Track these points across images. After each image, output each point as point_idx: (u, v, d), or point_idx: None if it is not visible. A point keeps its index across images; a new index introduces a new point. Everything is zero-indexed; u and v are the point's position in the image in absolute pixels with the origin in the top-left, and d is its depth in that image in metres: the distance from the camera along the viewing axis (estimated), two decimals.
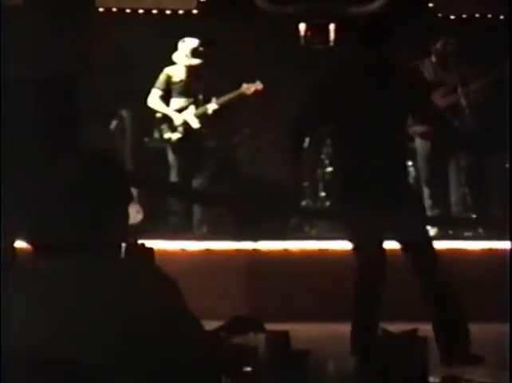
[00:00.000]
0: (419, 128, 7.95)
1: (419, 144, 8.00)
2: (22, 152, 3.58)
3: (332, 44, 9.49)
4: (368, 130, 4.83)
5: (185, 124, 7.95)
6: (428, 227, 5.19)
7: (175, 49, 8.04)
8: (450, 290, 4.94)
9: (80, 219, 2.09)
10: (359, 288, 4.94)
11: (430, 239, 5.06)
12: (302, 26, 9.46)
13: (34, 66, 3.81)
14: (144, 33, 9.12)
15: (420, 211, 5.15)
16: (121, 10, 9.46)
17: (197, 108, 7.98)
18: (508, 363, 4.30)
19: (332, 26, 9.44)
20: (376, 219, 4.77)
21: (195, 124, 7.95)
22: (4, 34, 3.70)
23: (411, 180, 8.22)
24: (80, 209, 2.10)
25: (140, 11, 9.56)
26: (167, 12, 9.60)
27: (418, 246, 4.91)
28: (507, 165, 8.35)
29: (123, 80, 8.86)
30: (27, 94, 3.75)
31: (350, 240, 5.07)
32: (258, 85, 8.04)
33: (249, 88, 8.03)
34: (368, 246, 4.92)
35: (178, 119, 7.94)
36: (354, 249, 5.03)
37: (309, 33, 9.49)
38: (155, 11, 9.58)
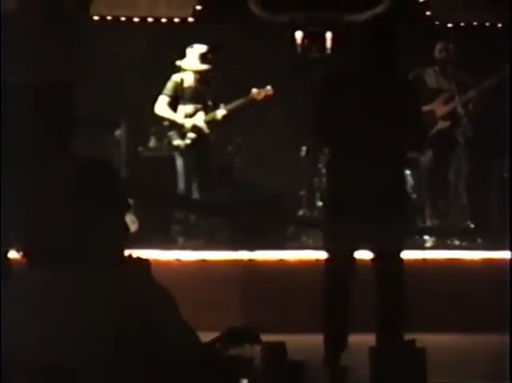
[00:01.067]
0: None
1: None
2: (15, 160, 3.58)
3: (328, 52, 9.51)
4: (357, 140, 4.84)
5: (194, 130, 7.97)
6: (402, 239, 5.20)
7: (171, 56, 8.04)
8: (404, 304, 4.94)
9: (73, 228, 2.09)
10: (328, 298, 4.96)
11: (399, 252, 5.05)
12: (299, 34, 9.48)
13: (28, 74, 3.80)
14: (140, 42, 9.14)
15: (400, 222, 5.13)
16: (116, 19, 9.48)
17: (206, 114, 8.02)
18: (507, 374, 4.29)
19: (328, 34, 9.46)
20: (352, 229, 4.79)
21: (205, 129, 7.99)
22: None
23: (406, 190, 8.24)
24: (75, 217, 2.09)
25: (135, 19, 9.57)
26: (163, 20, 9.62)
27: (387, 257, 4.93)
28: (505, 175, 8.36)
29: (118, 88, 8.87)
30: (20, 102, 3.74)
31: (325, 249, 5.10)
32: (269, 91, 8.06)
33: (259, 93, 8.05)
34: (341, 257, 4.94)
35: (188, 124, 7.97)
36: (327, 259, 5.05)
37: (305, 41, 9.51)
38: (150, 19, 9.60)
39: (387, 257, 4.90)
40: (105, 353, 1.96)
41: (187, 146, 7.96)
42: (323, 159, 8.51)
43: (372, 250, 5.00)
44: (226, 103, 8.00)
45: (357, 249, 4.96)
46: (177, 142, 7.99)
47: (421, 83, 7.99)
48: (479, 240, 7.71)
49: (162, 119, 8.08)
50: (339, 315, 4.91)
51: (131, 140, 8.52)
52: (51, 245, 2.09)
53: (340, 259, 4.91)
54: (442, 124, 7.97)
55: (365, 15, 9.35)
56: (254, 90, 8.03)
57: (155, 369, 2.00)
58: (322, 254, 6.92)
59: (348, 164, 4.87)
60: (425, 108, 8.01)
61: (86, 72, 4.07)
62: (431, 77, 8.00)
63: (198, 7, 9.55)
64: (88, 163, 2.23)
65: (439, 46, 8.01)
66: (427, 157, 8.06)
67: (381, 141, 4.80)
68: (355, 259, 4.96)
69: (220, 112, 7.98)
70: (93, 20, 8.70)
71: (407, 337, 4.60)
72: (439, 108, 7.99)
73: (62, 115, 3.89)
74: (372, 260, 5.00)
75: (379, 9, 9.38)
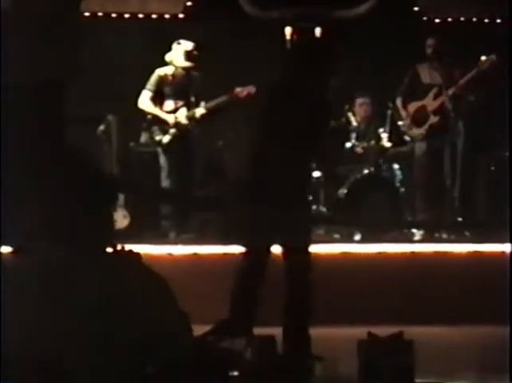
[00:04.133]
0: (415, 131, 8.03)
1: (415, 147, 8.09)
2: (4, 158, 3.57)
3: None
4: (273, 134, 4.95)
5: (176, 125, 7.94)
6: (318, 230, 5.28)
7: (161, 52, 8.04)
8: (309, 299, 4.99)
9: (62, 219, 2.11)
10: (238, 289, 5.00)
11: (307, 244, 5.09)
12: (288, 30, 9.48)
13: (19, 71, 3.81)
14: (130, 37, 9.14)
15: (305, 213, 5.20)
16: (107, 15, 9.47)
17: (188, 110, 8.00)
18: (507, 373, 4.31)
19: (318, 30, 9.47)
20: (265, 221, 4.84)
21: (187, 126, 7.96)
22: None
23: (387, 183, 8.29)
24: (62, 209, 2.11)
25: (126, 15, 9.57)
26: (154, 16, 9.61)
27: (297, 249, 4.98)
28: (493, 167, 8.40)
29: (109, 84, 8.87)
30: (12, 99, 3.74)
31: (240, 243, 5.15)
32: (251, 89, 8.04)
33: (241, 91, 8.04)
34: (256, 249, 4.99)
35: (170, 120, 7.95)
36: (243, 251, 5.09)
37: (295, 37, 9.51)
38: (141, 15, 9.59)
39: (295, 251, 4.96)
40: (95, 341, 1.98)
41: (170, 141, 7.94)
42: None
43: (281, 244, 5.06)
44: (209, 100, 7.99)
45: (272, 242, 5.02)
46: (159, 137, 7.97)
47: (417, 79, 8.06)
48: (467, 233, 7.75)
49: (146, 114, 8.06)
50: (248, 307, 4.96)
51: (122, 136, 8.52)
52: (39, 237, 2.11)
53: (257, 252, 4.98)
54: (432, 119, 8.01)
55: (354, 11, 9.36)
56: (237, 89, 8.03)
57: (148, 356, 2.02)
58: (313, 248, 7.00)
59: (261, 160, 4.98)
60: (418, 103, 8.07)
61: (76, 68, 4.07)
62: (425, 72, 8.07)
63: (189, 3, 9.55)
64: (68, 154, 2.25)
65: (428, 42, 8.04)
66: (419, 151, 8.10)
67: (294, 144, 4.90)
68: (269, 253, 5.03)
69: (199, 111, 7.98)
70: (84, 16, 8.71)
71: (394, 330, 4.66)
72: (430, 103, 8.04)
73: (52, 111, 3.90)
74: (282, 252, 5.06)
75: (368, 4, 9.39)
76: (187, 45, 7.95)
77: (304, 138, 4.95)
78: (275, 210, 4.76)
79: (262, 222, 4.83)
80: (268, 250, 4.99)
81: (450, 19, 9.70)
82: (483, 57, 7.80)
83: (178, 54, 7.95)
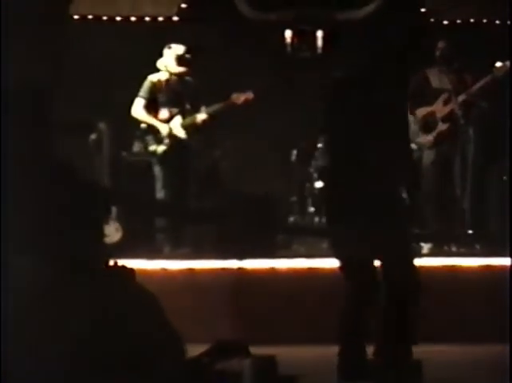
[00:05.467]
0: (423, 138, 8.01)
1: (423, 155, 8.07)
2: None
3: (320, 52, 9.52)
4: (359, 145, 4.85)
5: (170, 136, 7.92)
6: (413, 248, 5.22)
7: (156, 57, 8.03)
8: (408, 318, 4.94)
9: (48, 233, 2.09)
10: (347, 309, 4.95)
11: (411, 262, 5.04)
12: (288, 33, 9.48)
13: (3, 76, 3.79)
14: (122, 41, 9.14)
15: (405, 231, 5.14)
16: (97, 18, 9.47)
17: (184, 118, 7.97)
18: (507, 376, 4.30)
19: (319, 33, 9.47)
20: (363, 237, 4.79)
21: (182, 135, 7.93)
22: None
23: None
24: (48, 223, 2.09)
25: (118, 18, 9.57)
26: (147, 19, 9.61)
27: (398, 266, 4.92)
28: (505, 177, 8.38)
29: (100, 90, 8.87)
30: None
31: (339, 259, 5.08)
32: (249, 95, 8.03)
33: (239, 97, 8.02)
34: (358, 266, 4.93)
35: (164, 129, 7.92)
36: (342, 268, 5.04)
37: (295, 40, 9.52)
38: (133, 18, 9.59)
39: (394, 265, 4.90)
40: (90, 361, 1.96)
41: (164, 152, 7.91)
42: (314, 164, 8.52)
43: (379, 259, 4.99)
44: (206, 106, 7.97)
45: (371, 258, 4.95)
46: (153, 147, 7.94)
47: (426, 83, 8.03)
48: (478, 246, 7.72)
49: (140, 122, 8.04)
50: (358, 327, 4.91)
51: (114, 145, 8.51)
52: (30, 250, 2.09)
53: (360, 269, 4.92)
54: (441, 126, 7.98)
55: (358, 13, 9.36)
56: (234, 94, 8.02)
57: (140, 380, 2.00)
58: (314, 263, 6.96)
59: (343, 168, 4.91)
60: (427, 109, 8.04)
61: (61, 73, 4.06)
62: (435, 77, 8.03)
63: (184, 5, 9.55)
64: (59, 167, 2.23)
65: (438, 45, 8.03)
66: (426, 160, 8.07)
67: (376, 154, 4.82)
68: (375, 270, 4.96)
69: (200, 116, 7.95)
70: (73, 19, 8.71)
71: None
72: (440, 109, 8.00)
73: (41, 119, 3.88)
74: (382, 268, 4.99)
75: (371, 6, 9.40)
76: (178, 48, 7.93)
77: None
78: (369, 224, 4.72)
79: (356, 237, 4.79)
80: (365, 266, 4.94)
81: (459, 21, 9.71)
82: (498, 64, 7.77)
83: (169, 59, 7.93)
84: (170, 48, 7.95)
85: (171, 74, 7.94)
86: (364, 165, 4.79)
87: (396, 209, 4.87)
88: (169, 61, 7.92)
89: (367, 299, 4.88)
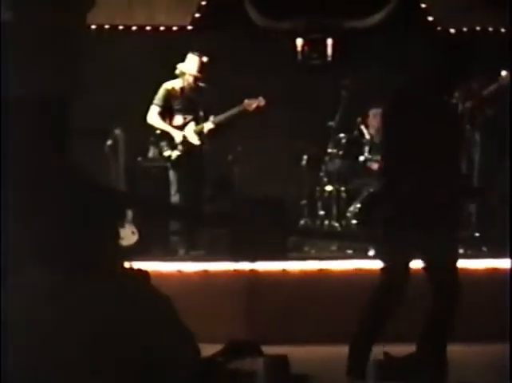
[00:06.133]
0: None
1: None
2: (9, 173, 3.56)
3: (330, 59, 9.51)
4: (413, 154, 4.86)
5: (183, 143, 7.94)
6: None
7: (170, 65, 8.04)
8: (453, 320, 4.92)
9: (66, 237, 2.08)
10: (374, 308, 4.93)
11: (455, 265, 5.01)
12: (299, 41, 9.48)
13: (22, 85, 3.79)
14: (138, 50, 9.16)
15: (456, 235, 5.15)
16: (114, 27, 9.49)
17: (197, 124, 7.98)
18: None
19: (329, 41, 9.47)
20: (405, 239, 4.78)
21: (195, 141, 7.94)
22: None
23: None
24: (66, 226, 2.09)
25: (133, 28, 9.58)
26: (161, 28, 9.62)
27: (442, 269, 4.91)
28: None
29: (116, 98, 8.88)
30: (14, 114, 3.72)
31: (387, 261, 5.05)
32: (261, 101, 8.02)
33: (250, 104, 8.01)
34: (395, 267, 4.91)
35: (178, 136, 7.93)
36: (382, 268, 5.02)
37: (306, 48, 9.51)
38: (148, 28, 9.60)
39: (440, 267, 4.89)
40: (103, 364, 1.95)
41: (178, 157, 7.93)
42: (324, 168, 8.51)
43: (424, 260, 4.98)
44: (219, 114, 7.96)
45: (411, 259, 4.94)
46: (168, 153, 7.96)
47: None
48: (484, 249, 7.68)
49: (155, 129, 8.06)
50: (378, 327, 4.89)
51: (129, 150, 8.52)
52: (46, 254, 2.09)
53: (396, 270, 4.90)
54: None
55: (366, 22, 9.36)
56: (246, 101, 8.01)
57: (154, 380, 1.99)
58: (324, 264, 6.95)
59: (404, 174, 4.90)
60: None
61: (80, 82, 4.06)
62: None
63: (197, 15, 9.56)
64: (76, 173, 2.23)
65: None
66: None
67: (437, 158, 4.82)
68: (409, 271, 4.94)
69: (207, 126, 7.95)
70: (90, 29, 8.73)
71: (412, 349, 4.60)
72: None
73: (58, 126, 3.88)
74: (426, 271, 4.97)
75: (380, 15, 9.39)
76: (203, 57, 7.94)
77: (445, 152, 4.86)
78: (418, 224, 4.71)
79: (403, 237, 4.77)
80: (407, 267, 4.92)
81: (465, 29, 9.68)
82: (504, 73, 7.76)
83: (192, 64, 7.94)
84: (195, 54, 7.95)
85: (185, 81, 7.94)
86: (426, 171, 4.77)
87: (452, 214, 4.87)
88: (191, 66, 7.93)
89: (400, 300, 4.87)
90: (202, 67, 7.93)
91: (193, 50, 7.99)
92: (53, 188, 2.21)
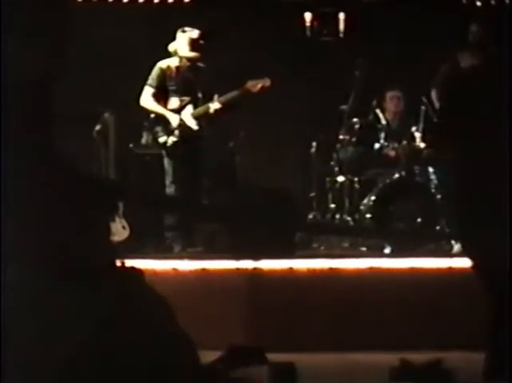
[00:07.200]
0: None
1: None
2: None
3: (342, 35, 9.52)
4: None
5: (182, 126, 7.92)
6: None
7: (166, 42, 8.04)
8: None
9: (51, 233, 2.10)
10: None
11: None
12: (308, 16, 9.48)
13: (4, 67, 3.80)
14: (130, 25, 9.15)
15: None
16: (103, 0, 9.50)
17: (195, 107, 7.97)
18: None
19: (341, 15, 9.47)
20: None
21: (194, 125, 7.94)
22: None
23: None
24: (51, 221, 2.11)
25: (124, 0, 9.59)
26: (155, 1, 9.63)
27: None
28: None
29: (105, 78, 8.89)
30: None
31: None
32: (266, 82, 7.98)
33: (254, 85, 7.99)
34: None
35: (174, 120, 7.93)
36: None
37: (315, 23, 9.52)
38: (141, 0, 9.61)
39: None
40: (95, 367, 1.98)
41: (174, 144, 7.92)
42: (335, 157, 8.52)
43: None
44: (220, 95, 7.95)
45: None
46: (163, 139, 7.94)
47: (457, 71, 7.99)
48: None
49: (149, 112, 8.04)
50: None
51: (120, 136, 8.53)
52: (28, 252, 2.11)
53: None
54: None
55: None
56: (250, 82, 7.99)
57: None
58: (335, 263, 6.97)
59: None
60: None
61: (66, 61, 4.07)
62: (466, 62, 7.98)
63: None
64: (62, 161, 2.24)
65: (472, 28, 7.99)
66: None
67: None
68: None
69: (213, 106, 7.93)
70: (76, 2, 8.73)
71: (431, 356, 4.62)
72: None
73: (43, 111, 3.89)
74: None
75: None
76: (193, 32, 7.93)
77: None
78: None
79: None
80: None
81: (493, 2, 9.68)
82: None
83: (182, 43, 7.94)
84: (184, 31, 7.95)
85: (181, 59, 7.94)
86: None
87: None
88: (181, 45, 7.93)
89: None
90: (195, 45, 7.91)
91: (187, 27, 7.97)
92: (36, 179, 2.23)
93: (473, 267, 5.03)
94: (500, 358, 4.73)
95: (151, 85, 7.94)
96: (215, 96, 7.94)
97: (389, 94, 8.69)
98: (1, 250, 3.77)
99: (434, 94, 8.18)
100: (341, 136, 8.44)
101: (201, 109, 7.93)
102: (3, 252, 3.53)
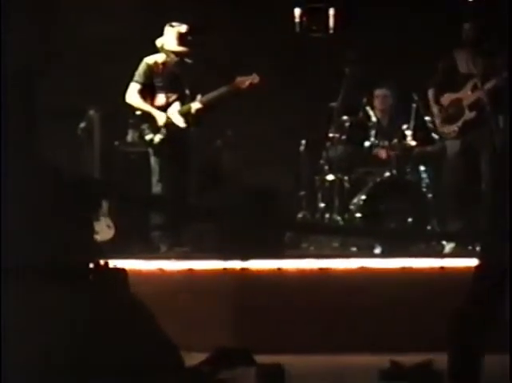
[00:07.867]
0: (448, 128, 8.00)
1: (447, 146, 8.06)
2: None
3: (332, 31, 9.52)
4: None
5: (169, 123, 7.92)
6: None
7: (153, 37, 8.03)
8: None
9: (34, 232, 2.10)
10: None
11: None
12: (297, 11, 9.48)
13: None
14: (117, 18, 9.13)
15: None
16: None
17: (183, 104, 7.97)
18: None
19: (331, 11, 9.47)
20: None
21: (181, 123, 7.94)
22: None
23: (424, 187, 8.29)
24: (34, 220, 2.11)
25: None
26: None
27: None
28: None
29: (90, 73, 8.88)
30: None
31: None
32: (254, 78, 7.99)
33: (243, 81, 7.99)
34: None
35: (161, 117, 7.93)
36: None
37: (305, 18, 9.52)
38: None
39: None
40: (76, 372, 1.98)
41: (161, 141, 7.91)
42: (325, 155, 8.53)
43: None
44: (206, 93, 7.94)
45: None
46: (149, 137, 7.93)
47: (453, 68, 8.00)
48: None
49: (135, 109, 8.03)
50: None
51: (106, 134, 8.52)
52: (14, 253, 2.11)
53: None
54: (468, 115, 7.97)
55: None
56: (238, 78, 7.99)
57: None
58: (325, 263, 6.98)
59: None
60: (453, 96, 8.03)
61: (52, 54, 4.06)
62: (462, 61, 8.00)
63: None
64: (45, 159, 2.25)
65: (466, 26, 8.00)
66: (450, 151, 8.06)
67: None
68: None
69: (194, 106, 7.94)
70: None
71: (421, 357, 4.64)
72: (467, 96, 7.98)
73: (23, 106, 3.88)
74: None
75: None
76: (181, 27, 7.93)
77: None
78: None
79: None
80: None
81: None
82: None
83: (170, 38, 7.93)
84: (172, 26, 7.95)
85: (169, 55, 7.94)
86: None
87: None
88: (169, 40, 7.92)
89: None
90: (183, 39, 7.91)
91: (175, 21, 7.96)
92: (19, 178, 2.22)
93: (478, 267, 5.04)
94: (465, 358, 4.74)
95: (137, 82, 7.93)
96: (198, 97, 7.94)
97: (376, 92, 8.70)
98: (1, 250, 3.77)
99: (430, 94, 8.19)
100: (331, 134, 8.45)
101: (185, 108, 7.94)
102: None
